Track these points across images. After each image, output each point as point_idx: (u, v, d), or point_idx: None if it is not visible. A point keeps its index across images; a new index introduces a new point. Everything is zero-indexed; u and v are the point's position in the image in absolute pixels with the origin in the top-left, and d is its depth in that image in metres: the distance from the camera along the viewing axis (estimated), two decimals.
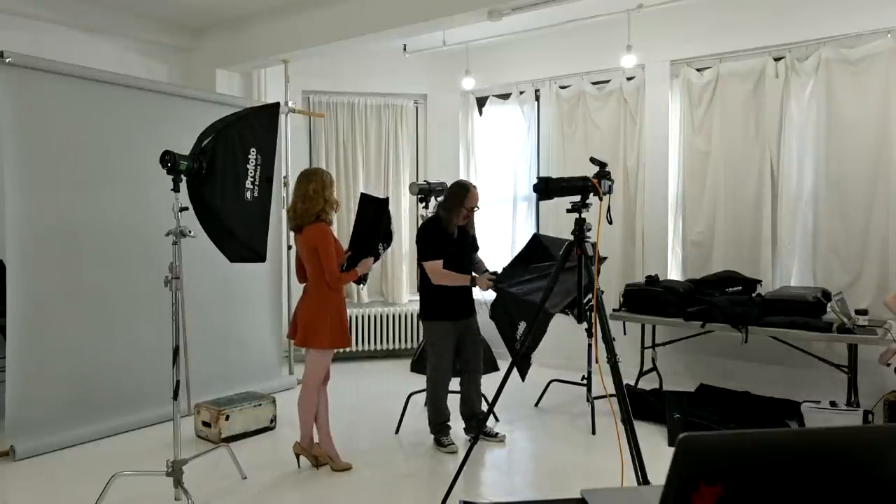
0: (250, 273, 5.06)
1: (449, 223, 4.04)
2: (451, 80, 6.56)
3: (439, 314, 4.05)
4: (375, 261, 3.80)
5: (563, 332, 5.03)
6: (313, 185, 3.64)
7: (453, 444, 4.09)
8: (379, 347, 6.61)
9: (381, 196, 3.90)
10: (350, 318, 6.40)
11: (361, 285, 4.43)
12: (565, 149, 6.08)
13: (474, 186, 4.11)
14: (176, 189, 3.14)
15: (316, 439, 3.81)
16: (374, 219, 3.70)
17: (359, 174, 6.67)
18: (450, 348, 4.08)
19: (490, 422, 4.49)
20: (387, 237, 3.86)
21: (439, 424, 4.13)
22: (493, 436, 4.26)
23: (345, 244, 3.86)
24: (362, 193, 3.81)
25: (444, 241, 4.03)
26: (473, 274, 4.10)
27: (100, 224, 4.37)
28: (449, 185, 4.28)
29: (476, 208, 4.12)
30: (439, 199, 4.59)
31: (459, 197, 4.04)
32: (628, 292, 5.02)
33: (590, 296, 3.16)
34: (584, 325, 3.36)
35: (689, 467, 0.97)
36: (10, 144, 3.97)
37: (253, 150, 3.34)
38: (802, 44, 4.89)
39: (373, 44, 5.54)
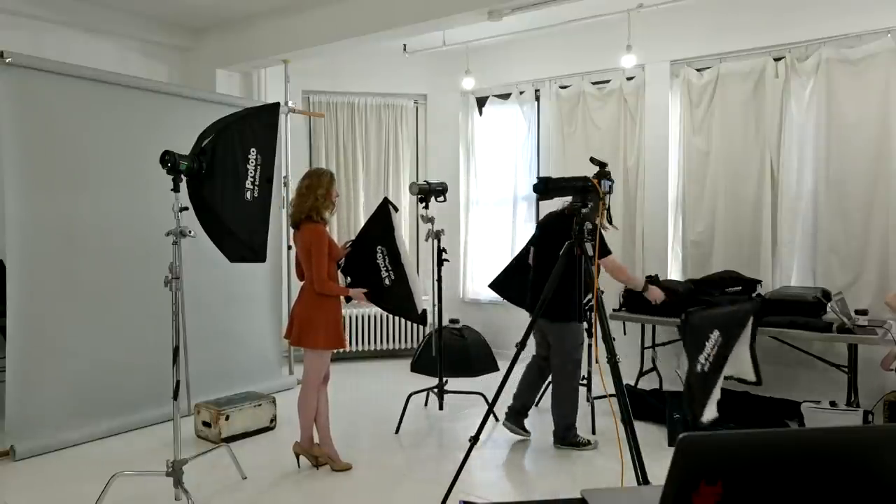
0: (250, 273, 5.06)
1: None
2: (451, 80, 6.55)
3: (576, 315, 3.92)
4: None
5: None
6: (307, 181, 3.68)
7: (587, 439, 4.06)
8: (379, 347, 6.61)
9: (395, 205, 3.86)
10: (350, 318, 6.42)
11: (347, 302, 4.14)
12: (565, 149, 6.07)
13: None
14: (176, 189, 3.14)
15: (316, 439, 3.81)
16: (381, 222, 3.71)
17: (359, 174, 6.67)
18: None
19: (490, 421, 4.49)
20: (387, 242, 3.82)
21: (571, 427, 4.06)
22: (521, 428, 4.25)
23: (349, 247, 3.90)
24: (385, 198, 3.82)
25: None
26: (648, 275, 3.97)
27: (100, 224, 4.37)
28: (449, 185, 4.23)
29: None
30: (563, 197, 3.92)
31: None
32: (628, 292, 5.01)
33: (590, 296, 3.17)
34: (584, 324, 3.36)
35: (689, 467, 0.97)
36: (10, 144, 3.97)
37: (253, 150, 3.34)
38: (802, 44, 4.89)
39: (373, 44, 5.54)
